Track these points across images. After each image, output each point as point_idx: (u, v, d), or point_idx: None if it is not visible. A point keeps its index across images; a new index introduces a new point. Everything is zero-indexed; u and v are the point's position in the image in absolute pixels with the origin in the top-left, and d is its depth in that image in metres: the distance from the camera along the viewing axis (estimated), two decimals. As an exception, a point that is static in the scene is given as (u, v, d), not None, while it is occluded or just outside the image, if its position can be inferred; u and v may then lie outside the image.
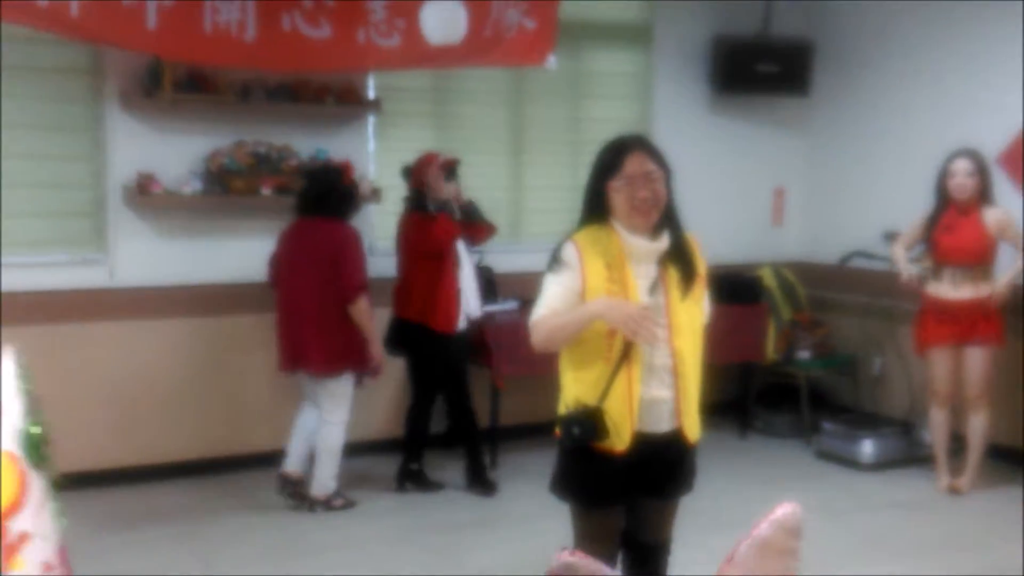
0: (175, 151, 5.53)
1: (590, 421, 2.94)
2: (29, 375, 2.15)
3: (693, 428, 3.09)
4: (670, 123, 6.66)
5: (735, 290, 6.30)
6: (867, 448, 5.93)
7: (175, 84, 5.35)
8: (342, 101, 5.81)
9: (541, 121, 6.53)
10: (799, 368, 6.60)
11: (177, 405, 5.64)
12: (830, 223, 7.03)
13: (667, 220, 3.04)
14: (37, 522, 2.05)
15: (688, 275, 3.05)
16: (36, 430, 2.11)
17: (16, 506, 2.03)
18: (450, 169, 5.34)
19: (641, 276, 2.99)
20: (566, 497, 3.13)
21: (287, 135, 5.74)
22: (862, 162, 6.81)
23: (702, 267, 3.13)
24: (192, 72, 5.41)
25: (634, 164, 2.98)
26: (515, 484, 5.58)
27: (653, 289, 2.99)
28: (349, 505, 5.26)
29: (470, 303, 5.39)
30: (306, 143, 5.77)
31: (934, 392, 5.58)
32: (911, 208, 5.67)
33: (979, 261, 5.33)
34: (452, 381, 5.46)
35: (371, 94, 5.97)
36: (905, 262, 5.55)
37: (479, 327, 5.59)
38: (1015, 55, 5.82)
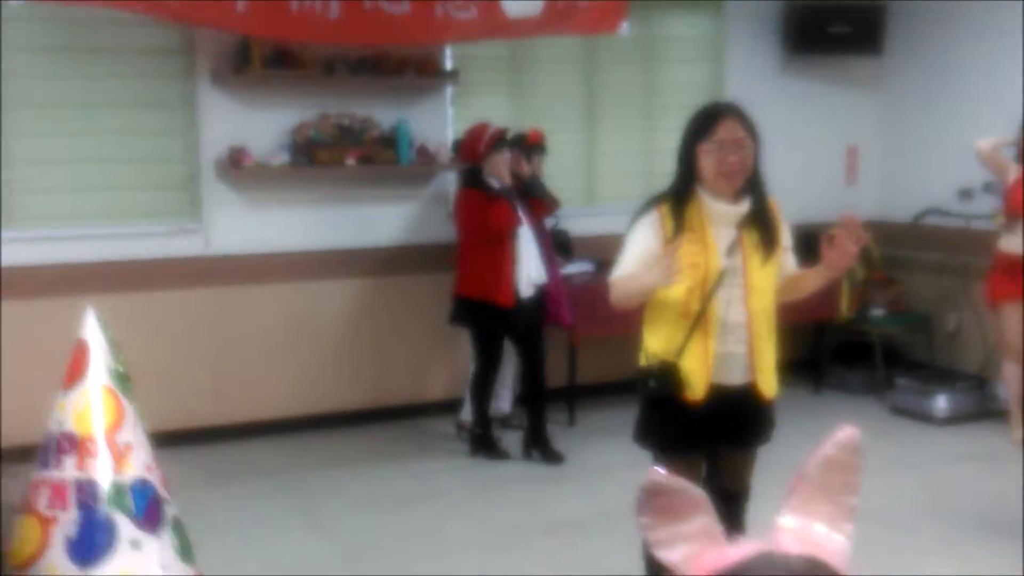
0: (264, 125, 5.77)
1: (665, 375, 3.14)
2: (109, 324, 2.65)
3: (768, 383, 3.24)
4: (743, 85, 6.71)
5: (809, 249, 6.36)
6: (941, 403, 6.02)
7: (263, 61, 5.59)
8: (421, 73, 6.00)
9: (614, 87, 6.64)
10: (873, 326, 6.68)
11: (270, 365, 5.93)
12: (904, 181, 7.06)
13: (751, 186, 3.18)
14: (135, 436, 2.59)
15: (768, 240, 3.20)
16: (122, 367, 2.64)
17: (118, 424, 2.55)
18: (500, 140, 5.29)
19: (721, 238, 3.15)
20: (647, 445, 3.32)
21: (369, 107, 5.95)
22: (936, 119, 6.82)
23: (784, 232, 3.27)
24: (279, 49, 5.64)
25: (725, 130, 3.11)
26: (594, 440, 5.76)
27: (731, 251, 3.15)
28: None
29: (533, 271, 5.38)
30: (387, 114, 5.98)
31: (1006, 346, 5.64)
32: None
33: (1053, 216, 5.36)
34: (526, 350, 5.54)
35: (448, 65, 6.15)
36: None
37: (545, 291, 5.49)
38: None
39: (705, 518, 1.05)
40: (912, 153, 7.03)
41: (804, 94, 7.06)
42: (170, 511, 2.61)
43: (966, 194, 6.40)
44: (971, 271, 6.33)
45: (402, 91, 6.04)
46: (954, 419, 6.00)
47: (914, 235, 6.86)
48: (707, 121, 3.16)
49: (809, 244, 6.36)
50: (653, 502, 1.04)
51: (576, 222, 6.25)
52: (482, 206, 5.24)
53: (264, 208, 5.88)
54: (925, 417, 6.06)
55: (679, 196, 3.19)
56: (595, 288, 5.86)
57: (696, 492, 1.05)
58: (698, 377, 3.15)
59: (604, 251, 6.18)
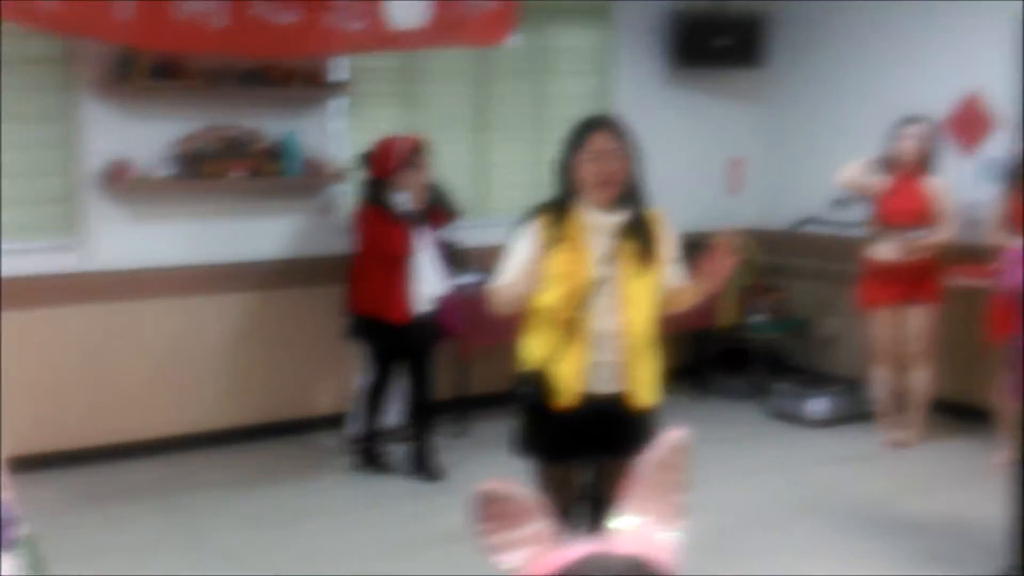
0: (148, 137, 5.68)
1: (537, 382, 3.23)
2: None
3: (642, 392, 3.32)
4: (630, 97, 6.87)
5: (692, 257, 6.53)
6: (815, 406, 6.24)
7: (147, 71, 5.50)
8: (309, 84, 5.97)
9: (505, 98, 6.71)
10: (754, 332, 6.87)
11: (154, 383, 5.82)
12: (783, 191, 7.29)
13: (629, 197, 3.28)
14: None
15: (644, 249, 3.29)
16: None
17: None
18: (412, 154, 5.23)
19: (596, 248, 3.23)
20: (524, 453, 3.39)
21: (256, 119, 5.90)
22: (813, 131, 7.07)
23: (667, 241, 3.37)
24: (163, 59, 5.56)
25: (599, 141, 3.23)
26: (483, 451, 5.76)
27: (606, 261, 3.23)
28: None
29: (430, 285, 5.34)
30: (275, 126, 5.94)
31: (877, 351, 5.88)
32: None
33: (920, 223, 5.60)
34: (415, 367, 5.46)
35: (340, 75, 6.12)
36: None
37: (442, 304, 5.46)
38: (964, 23, 6.06)
39: (539, 523, 1.11)
40: (790, 163, 7.27)
41: (689, 106, 7.24)
42: (22, 530, 2.59)
43: (841, 203, 6.63)
44: (847, 277, 6.55)
45: (290, 103, 6.01)
46: (829, 422, 6.22)
47: (793, 243, 7.09)
48: (582, 133, 3.27)
49: (692, 252, 6.61)
50: (487, 510, 1.09)
51: (467, 233, 6.28)
52: (382, 227, 5.20)
53: (148, 222, 5.78)
54: (801, 420, 6.26)
55: (557, 206, 3.28)
56: (483, 298, 5.90)
57: (529, 498, 1.11)
58: (569, 385, 3.23)
59: (494, 262, 6.26)
